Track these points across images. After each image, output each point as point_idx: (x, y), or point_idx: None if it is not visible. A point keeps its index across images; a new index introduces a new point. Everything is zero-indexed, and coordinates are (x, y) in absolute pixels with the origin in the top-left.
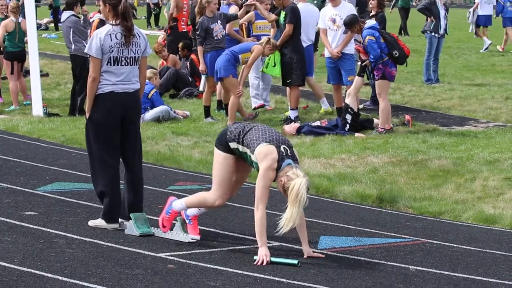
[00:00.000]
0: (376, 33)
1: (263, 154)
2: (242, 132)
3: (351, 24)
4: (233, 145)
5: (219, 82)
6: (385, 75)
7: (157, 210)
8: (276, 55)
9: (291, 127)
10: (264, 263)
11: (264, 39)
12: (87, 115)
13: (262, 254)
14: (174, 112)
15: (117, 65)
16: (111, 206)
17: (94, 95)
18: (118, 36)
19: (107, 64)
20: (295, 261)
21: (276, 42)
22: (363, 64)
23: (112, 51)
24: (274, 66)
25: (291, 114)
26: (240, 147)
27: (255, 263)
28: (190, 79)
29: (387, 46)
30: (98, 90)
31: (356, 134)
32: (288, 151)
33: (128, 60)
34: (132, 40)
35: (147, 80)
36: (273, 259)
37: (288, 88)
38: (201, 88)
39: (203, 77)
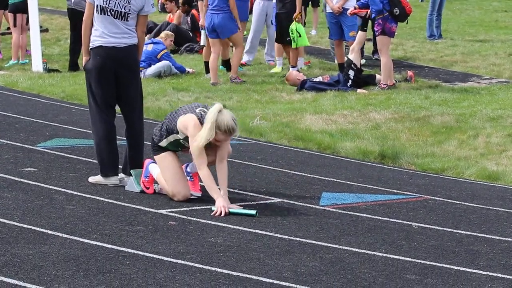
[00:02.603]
0: None
1: (183, 123)
2: (161, 128)
3: None
4: (163, 143)
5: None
6: (385, 30)
7: None
8: (297, 26)
9: (297, 73)
10: (223, 214)
11: None
12: (83, 63)
13: (220, 205)
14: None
15: (103, 14)
16: (101, 159)
17: (86, 41)
18: None
19: (96, 12)
20: (253, 212)
21: None
22: (366, 16)
23: None
24: (300, 36)
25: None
26: (170, 137)
27: (213, 213)
28: (191, 34)
29: (388, 2)
30: (90, 44)
31: (358, 90)
32: (207, 110)
33: (113, 13)
34: None
35: (159, 39)
36: (232, 210)
37: (277, 45)
38: (202, 43)
39: (203, 32)
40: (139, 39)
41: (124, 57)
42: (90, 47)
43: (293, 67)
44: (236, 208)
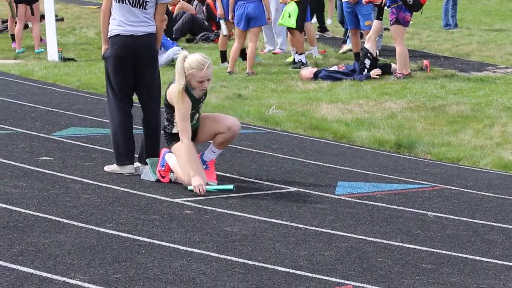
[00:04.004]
0: None
1: (169, 95)
2: (165, 115)
3: None
4: (175, 129)
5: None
6: (399, 19)
7: None
8: (291, 5)
9: (307, 71)
10: (201, 192)
11: None
12: (102, 52)
13: (196, 185)
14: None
15: (121, 3)
16: (117, 148)
17: (105, 29)
18: None
19: (114, 1)
20: (231, 186)
21: None
22: (382, 5)
23: None
24: (290, 17)
25: (301, 58)
26: (175, 120)
27: (196, 191)
28: (206, 23)
29: None
30: (108, 33)
31: (372, 72)
32: None
33: (131, 2)
34: None
35: None
36: (209, 188)
37: (289, 36)
38: (224, 33)
39: (222, 22)
40: (157, 28)
41: (142, 45)
42: (108, 36)
43: (300, 54)
44: (212, 185)
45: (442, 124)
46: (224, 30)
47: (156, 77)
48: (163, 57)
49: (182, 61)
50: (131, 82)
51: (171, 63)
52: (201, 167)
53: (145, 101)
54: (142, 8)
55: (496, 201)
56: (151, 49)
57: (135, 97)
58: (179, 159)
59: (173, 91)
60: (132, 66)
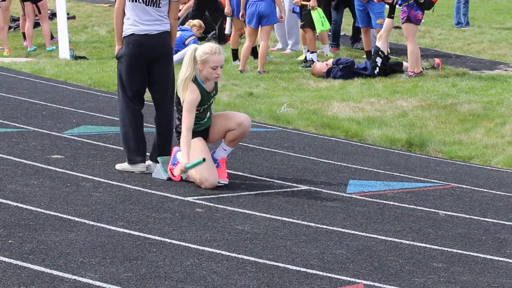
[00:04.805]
0: None
1: (178, 93)
2: (179, 115)
3: None
4: None
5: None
6: (410, 18)
7: None
8: (319, 12)
9: (322, 65)
10: (182, 168)
11: None
12: (115, 52)
13: (180, 165)
14: None
15: (135, 2)
16: (128, 147)
17: (118, 29)
18: None
19: (127, 0)
20: (201, 159)
21: None
22: (393, 3)
23: None
24: (324, 20)
25: (312, 56)
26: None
27: (175, 173)
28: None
29: None
30: (123, 33)
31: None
32: None
33: (145, 0)
34: None
35: (187, 26)
36: (187, 165)
37: (301, 33)
38: (226, 31)
39: (228, 20)
40: (171, 26)
41: (157, 44)
42: (123, 36)
43: (312, 52)
44: (190, 163)
45: (454, 122)
46: (227, 28)
47: (171, 75)
48: (178, 55)
49: (193, 51)
50: (145, 81)
51: None
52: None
53: (158, 99)
54: (156, 6)
55: (507, 199)
56: (166, 47)
57: (147, 96)
58: (190, 157)
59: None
60: (147, 64)
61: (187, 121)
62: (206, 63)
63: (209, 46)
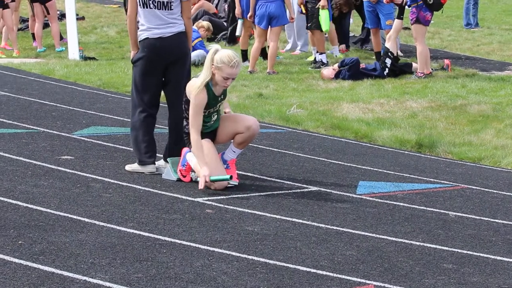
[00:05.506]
0: None
1: (188, 88)
2: (185, 113)
3: None
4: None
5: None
6: (419, 19)
7: None
8: (326, 12)
9: (329, 71)
10: (206, 179)
11: None
12: (131, 57)
13: (204, 174)
14: None
15: (146, 7)
16: (138, 149)
17: (133, 35)
18: None
19: (139, 6)
20: (228, 176)
21: None
22: (403, 4)
23: None
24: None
25: (322, 58)
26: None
27: (199, 186)
28: (226, 24)
29: None
30: (138, 37)
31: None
32: None
33: (156, 5)
34: None
35: (195, 28)
36: (211, 178)
37: (310, 35)
38: (237, 33)
39: (239, 21)
40: (186, 25)
41: (172, 45)
42: (138, 40)
43: (321, 53)
44: (215, 176)
45: (463, 123)
46: (238, 30)
47: (186, 76)
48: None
49: (213, 54)
50: (160, 83)
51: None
52: (211, 160)
53: (173, 100)
54: (168, 9)
55: None
56: (182, 48)
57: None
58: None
59: (193, 84)
60: (163, 66)
61: (195, 124)
62: (220, 71)
63: (228, 56)
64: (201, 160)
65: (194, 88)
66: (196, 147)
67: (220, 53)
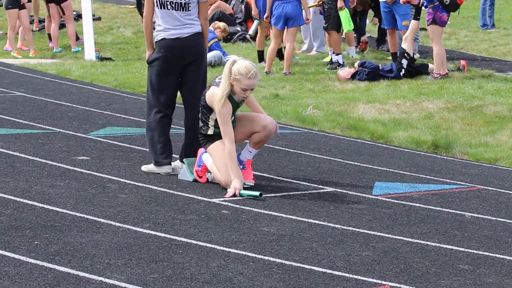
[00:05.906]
0: None
1: (209, 97)
2: (201, 116)
3: None
4: (210, 131)
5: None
6: (436, 20)
7: None
8: (347, 12)
9: (345, 72)
10: (236, 193)
11: None
12: (146, 57)
13: (235, 187)
14: None
15: (163, 8)
16: (154, 150)
17: (149, 35)
18: None
19: (156, 7)
20: (257, 193)
21: None
22: (419, 5)
23: None
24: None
25: (338, 58)
26: (210, 121)
27: (226, 195)
28: (241, 25)
29: None
30: (154, 38)
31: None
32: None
33: (173, 6)
34: None
35: (211, 28)
36: (241, 192)
37: (327, 36)
38: (250, 32)
39: (255, 22)
40: (203, 26)
41: (188, 46)
42: (155, 41)
43: (337, 54)
44: (245, 191)
45: (480, 124)
46: (251, 30)
47: (202, 76)
48: None
49: (231, 65)
50: (176, 84)
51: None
52: (240, 171)
53: (189, 100)
54: (185, 10)
55: None
56: (198, 48)
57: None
58: (214, 160)
59: (215, 95)
60: (180, 67)
61: (227, 133)
62: (239, 82)
63: (246, 67)
64: (234, 171)
65: (216, 101)
66: (230, 157)
67: (238, 65)
